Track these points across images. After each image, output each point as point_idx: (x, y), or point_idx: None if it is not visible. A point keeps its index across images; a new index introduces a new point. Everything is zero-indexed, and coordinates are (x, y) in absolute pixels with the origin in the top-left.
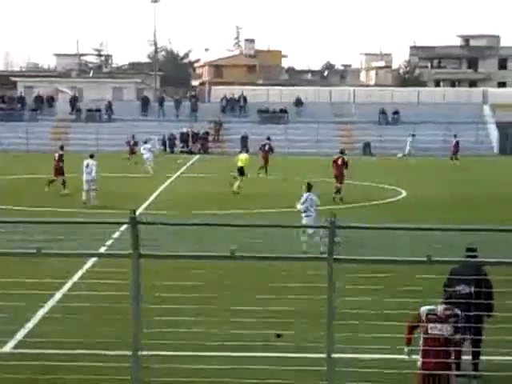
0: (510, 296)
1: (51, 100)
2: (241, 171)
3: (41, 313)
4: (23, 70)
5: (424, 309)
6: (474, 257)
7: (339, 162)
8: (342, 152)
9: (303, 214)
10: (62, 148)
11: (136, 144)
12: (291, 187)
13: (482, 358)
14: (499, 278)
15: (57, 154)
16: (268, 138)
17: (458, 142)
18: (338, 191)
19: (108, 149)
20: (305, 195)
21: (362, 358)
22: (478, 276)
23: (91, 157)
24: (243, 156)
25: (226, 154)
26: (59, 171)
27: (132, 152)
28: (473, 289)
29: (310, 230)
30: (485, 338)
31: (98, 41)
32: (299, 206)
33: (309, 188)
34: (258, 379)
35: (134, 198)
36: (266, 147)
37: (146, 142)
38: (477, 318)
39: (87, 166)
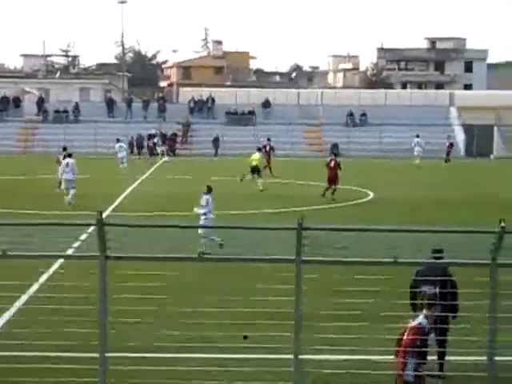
0: (474, 297)
1: (17, 101)
2: (255, 170)
3: (6, 315)
4: None
5: (424, 321)
6: (440, 258)
7: (332, 164)
8: (334, 154)
9: (203, 217)
10: (64, 149)
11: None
12: (250, 188)
13: (448, 358)
14: (464, 279)
15: (61, 156)
16: (268, 139)
17: (451, 144)
18: (333, 191)
19: (75, 150)
20: (205, 197)
21: (329, 359)
22: (444, 277)
23: (69, 156)
24: (257, 155)
25: (194, 156)
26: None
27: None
28: (437, 289)
29: (201, 231)
30: (450, 338)
31: (65, 41)
32: (198, 210)
33: (209, 190)
34: (226, 380)
35: (102, 200)
36: (267, 148)
37: (119, 140)
38: (442, 318)
39: (67, 165)
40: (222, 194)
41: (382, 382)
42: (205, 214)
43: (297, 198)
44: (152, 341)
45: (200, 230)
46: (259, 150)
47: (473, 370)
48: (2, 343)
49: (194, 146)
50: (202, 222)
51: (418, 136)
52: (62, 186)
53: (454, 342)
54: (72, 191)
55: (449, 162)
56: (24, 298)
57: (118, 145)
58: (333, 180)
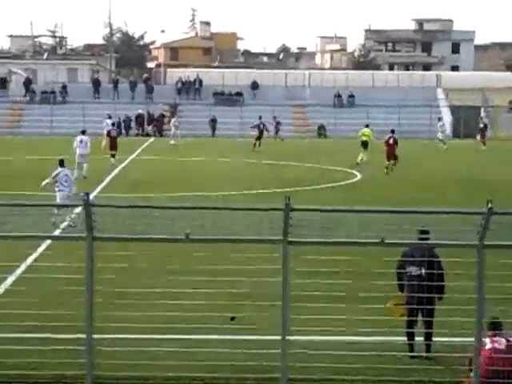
0: (460, 277)
1: (4, 82)
2: (365, 144)
3: None
4: None
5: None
6: (426, 239)
7: (390, 141)
8: (392, 131)
9: (56, 189)
10: (83, 132)
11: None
12: (242, 170)
13: (434, 339)
14: (450, 259)
15: (77, 138)
16: (260, 117)
17: (486, 126)
18: (392, 167)
19: (62, 131)
20: (57, 170)
21: (317, 340)
22: (430, 258)
23: (83, 133)
24: (367, 130)
25: (181, 137)
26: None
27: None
28: (423, 270)
29: (56, 210)
30: (436, 319)
31: (52, 22)
32: (44, 182)
33: (61, 163)
34: (212, 361)
35: (89, 181)
36: (261, 127)
37: (110, 117)
38: (428, 299)
39: (81, 141)
40: (208, 175)
41: (370, 362)
42: (57, 186)
43: (284, 179)
44: (138, 322)
45: (55, 210)
46: (367, 126)
47: (459, 351)
48: None
49: (181, 127)
50: (57, 195)
51: (440, 119)
52: (77, 160)
53: (440, 324)
54: (85, 165)
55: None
56: (10, 279)
57: (104, 123)
58: (392, 156)
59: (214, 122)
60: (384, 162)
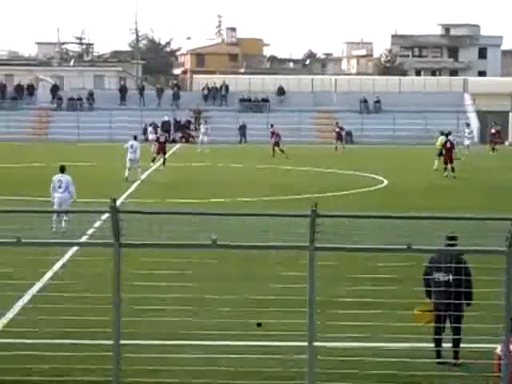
0: (488, 284)
1: (32, 89)
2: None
3: (20, 303)
4: (4, 58)
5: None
6: (454, 245)
7: (448, 145)
8: (446, 135)
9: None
10: (135, 138)
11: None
12: (268, 176)
13: (462, 345)
14: (479, 266)
15: (128, 143)
16: (272, 125)
17: (498, 132)
18: (452, 169)
19: (89, 137)
20: (54, 177)
21: (343, 347)
22: (457, 264)
23: (135, 138)
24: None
25: (209, 144)
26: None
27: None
28: (451, 277)
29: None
30: (464, 325)
31: (79, 29)
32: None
33: (61, 170)
34: (239, 368)
35: (116, 187)
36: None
37: (151, 125)
38: (456, 306)
39: (132, 146)
40: (234, 181)
41: (397, 369)
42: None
43: (310, 185)
44: (164, 328)
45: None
46: (442, 133)
47: (487, 358)
48: (17, 331)
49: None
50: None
51: (468, 125)
52: (127, 165)
53: (468, 330)
54: (139, 169)
55: (495, 151)
56: (38, 285)
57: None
58: (450, 159)
59: (243, 128)
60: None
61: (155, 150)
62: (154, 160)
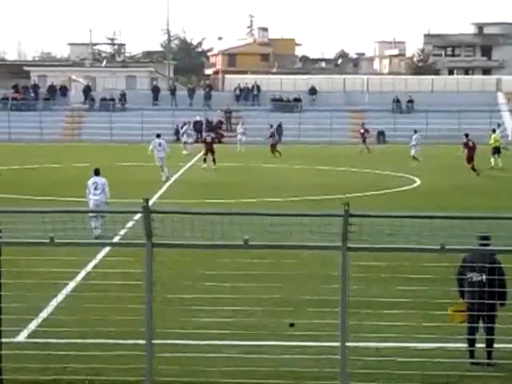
0: None
1: (64, 89)
2: (496, 149)
3: (54, 302)
4: (36, 59)
5: None
6: (487, 245)
7: (470, 144)
8: (466, 135)
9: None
10: (158, 136)
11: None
12: (299, 176)
13: (496, 345)
14: None
15: (156, 142)
16: (271, 126)
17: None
18: (473, 169)
19: (121, 138)
20: (94, 180)
21: (376, 347)
22: (491, 264)
23: (158, 136)
24: (497, 136)
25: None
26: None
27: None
28: (485, 277)
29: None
30: (498, 326)
31: (111, 30)
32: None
33: (95, 172)
34: (271, 368)
35: (148, 187)
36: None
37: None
38: (490, 306)
39: (160, 144)
40: (264, 179)
41: (431, 369)
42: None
43: (343, 185)
44: (197, 328)
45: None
46: (494, 131)
47: None
48: (51, 330)
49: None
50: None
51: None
52: (158, 163)
53: (502, 330)
54: (166, 168)
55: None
56: (71, 285)
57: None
58: (472, 158)
59: (280, 127)
60: (464, 165)
61: (204, 151)
62: (205, 160)
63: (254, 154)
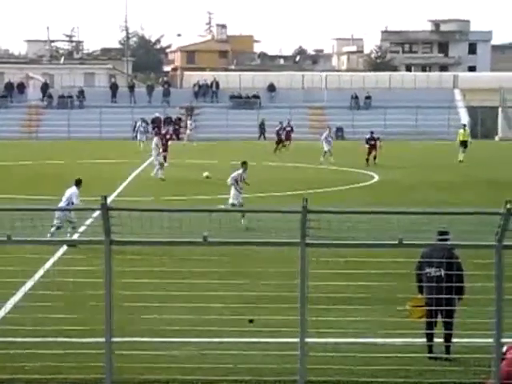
0: (479, 279)
1: (22, 86)
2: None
3: (12, 301)
4: None
5: None
6: (446, 240)
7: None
8: (464, 126)
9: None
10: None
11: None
12: (261, 172)
13: (454, 340)
14: (470, 260)
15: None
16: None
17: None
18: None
19: (80, 135)
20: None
21: (335, 342)
22: (449, 259)
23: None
24: (462, 131)
25: (197, 140)
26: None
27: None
28: (443, 272)
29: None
30: (455, 320)
31: (69, 27)
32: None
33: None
34: (231, 364)
35: (106, 185)
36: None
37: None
38: (448, 300)
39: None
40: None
41: (389, 364)
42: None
43: (301, 181)
44: (157, 325)
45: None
46: (464, 126)
47: (479, 352)
48: (8, 329)
49: (199, 130)
50: None
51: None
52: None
53: (459, 325)
54: (160, 168)
55: None
56: (29, 283)
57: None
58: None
59: (262, 124)
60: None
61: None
62: (165, 159)
63: (214, 151)
